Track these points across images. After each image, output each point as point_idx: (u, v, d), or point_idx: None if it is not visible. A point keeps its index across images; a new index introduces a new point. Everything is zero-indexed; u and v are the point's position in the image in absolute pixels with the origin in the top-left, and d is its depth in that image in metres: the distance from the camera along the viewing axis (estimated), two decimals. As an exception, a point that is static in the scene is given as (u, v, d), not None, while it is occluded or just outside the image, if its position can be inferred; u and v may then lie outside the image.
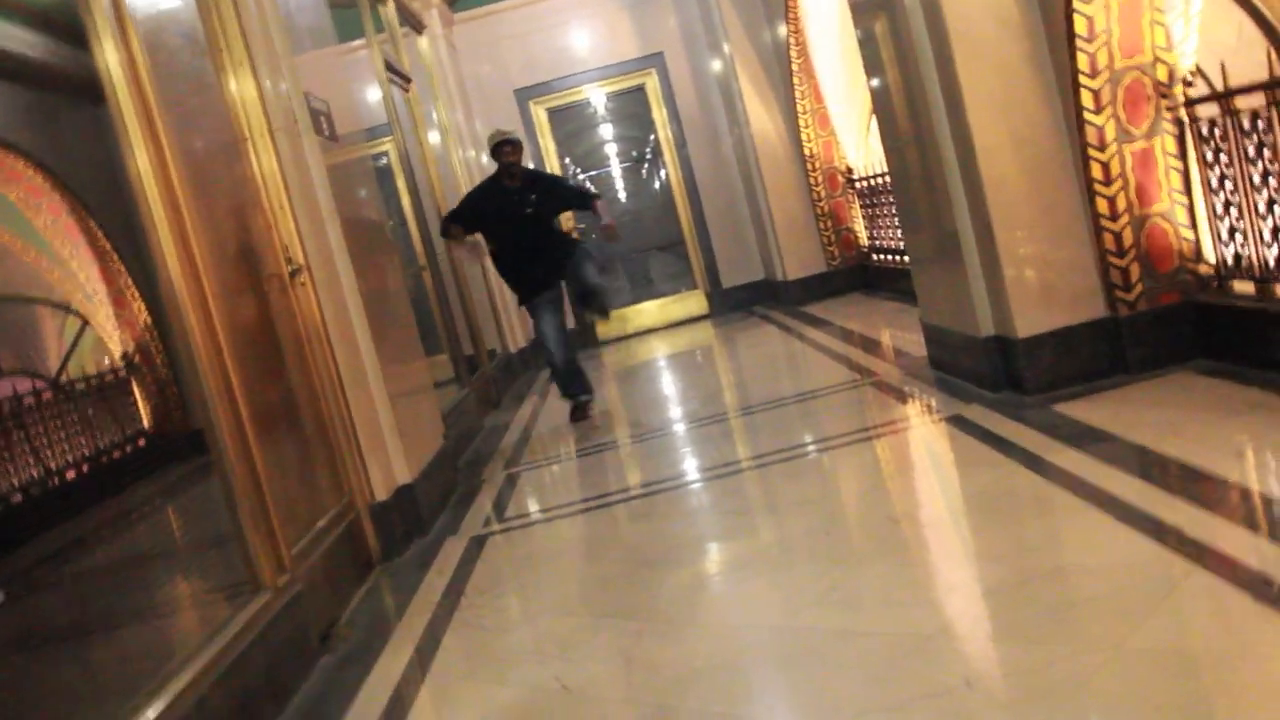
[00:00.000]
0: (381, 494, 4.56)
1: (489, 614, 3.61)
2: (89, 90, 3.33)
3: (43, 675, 3.87)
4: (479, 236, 6.82)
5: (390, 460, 4.64)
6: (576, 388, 6.88)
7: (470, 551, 4.37)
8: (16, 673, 3.96)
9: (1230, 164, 4.05)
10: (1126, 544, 2.86)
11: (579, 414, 6.84)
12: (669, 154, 11.26)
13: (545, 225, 6.71)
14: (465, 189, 9.64)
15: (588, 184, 6.87)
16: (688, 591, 3.44)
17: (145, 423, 9.88)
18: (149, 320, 9.84)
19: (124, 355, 9.84)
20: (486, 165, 10.66)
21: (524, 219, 6.61)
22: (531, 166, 6.97)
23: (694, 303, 11.38)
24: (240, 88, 4.26)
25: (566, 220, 7.22)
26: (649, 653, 2.95)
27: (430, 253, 8.14)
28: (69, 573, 3.79)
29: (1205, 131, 4.19)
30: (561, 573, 4.04)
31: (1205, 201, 4.29)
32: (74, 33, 3.17)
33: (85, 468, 8.54)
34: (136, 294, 9.83)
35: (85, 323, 9.89)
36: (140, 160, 3.24)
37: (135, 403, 9.91)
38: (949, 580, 3.11)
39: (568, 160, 11.41)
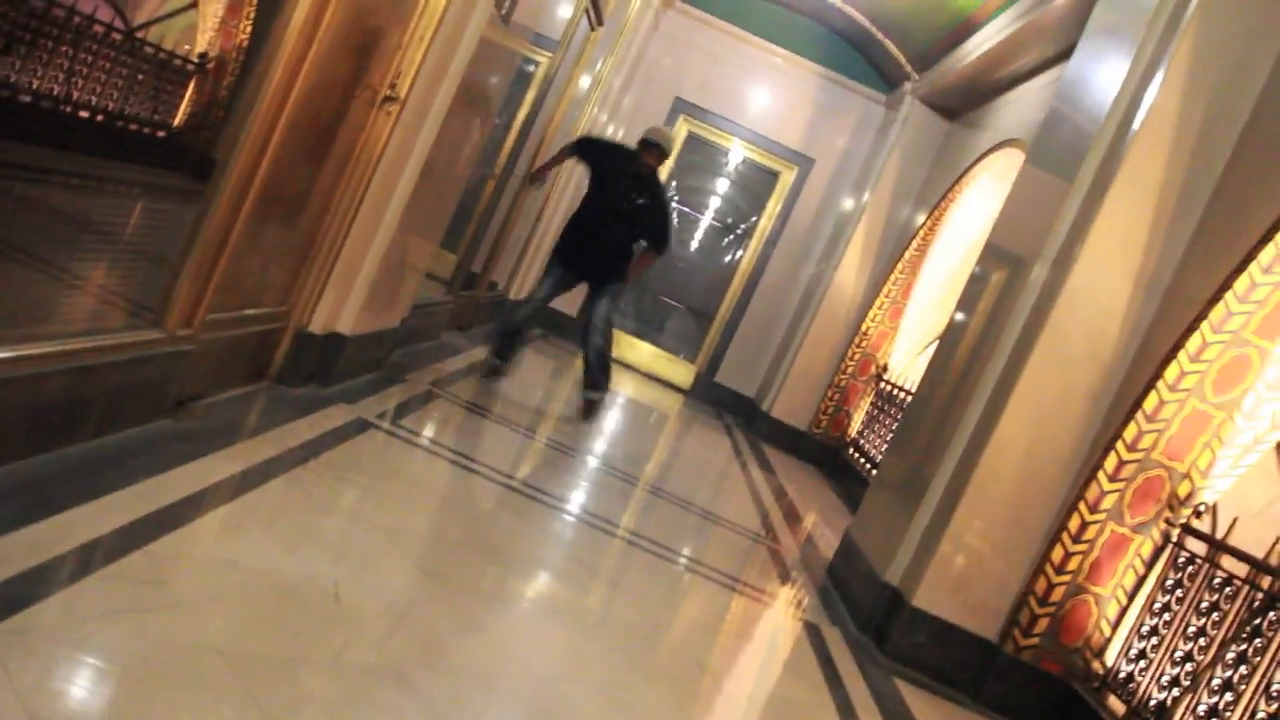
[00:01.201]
0: (316, 326, 4.53)
1: (324, 490, 3.58)
2: None
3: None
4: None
5: (345, 304, 4.61)
6: (505, 350, 6.86)
7: (349, 428, 4.34)
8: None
9: (1180, 601, 4.09)
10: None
11: (491, 370, 6.82)
12: (755, 242, 11.32)
13: (631, 228, 6.66)
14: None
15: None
16: (496, 597, 3.41)
17: (176, 121, 9.80)
18: (244, 43, 9.78)
19: (202, 55, 9.78)
20: (610, 136, 10.70)
21: (621, 203, 6.58)
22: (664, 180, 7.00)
23: (681, 373, 11.41)
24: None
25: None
26: (426, 622, 2.93)
27: (508, 170, 8.14)
28: (14, 191, 3.74)
29: (1181, 560, 4.23)
30: (409, 503, 4.01)
31: (1139, 615, 4.33)
32: None
33: (99, 118, 8.44)
34: (251, 15, 9.78)
35: (194, 4, 9.82)
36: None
37: (181, 100, 9.83)
38: (706, 753, 3.10)
39: (674, 182, 11.46)
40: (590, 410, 6.97)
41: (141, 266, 4.15)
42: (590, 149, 6.91)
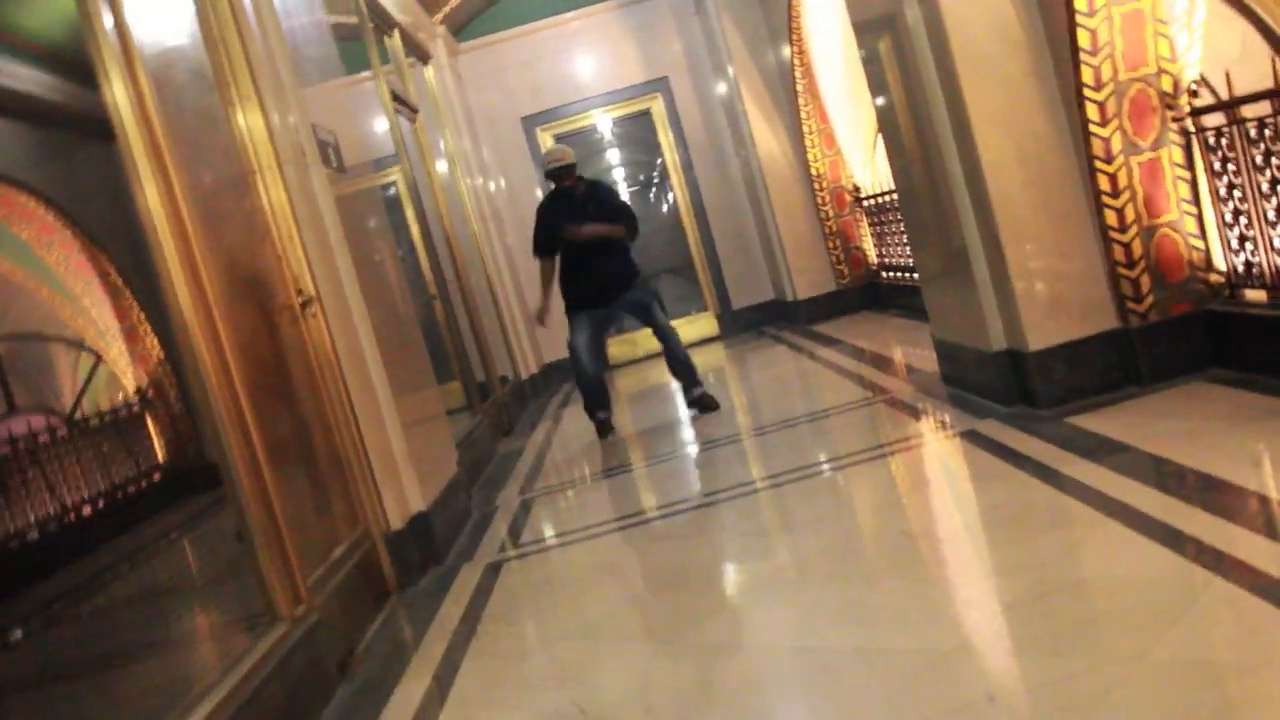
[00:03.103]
0: (396, 523, 4.56)
1: (506, 640, 3.61)
2: (98, 127, 3.38)
3: (63, 712, 3.87)
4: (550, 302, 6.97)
5: (404, 489, 4.64)
6: (597, 404, 6.94)
7: (486, 578, 4.37)
8: (36, 710, 3.96)
9: (1238, 173, 4.05)
10: (1145, 555, 2.85)
11: (604, 431, 6.94)
12: (676, 177, 11.29)
13: (607, 241, 6.81)
14: (474, 217, 9.68)
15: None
16: (705, 614, 3.42)
17: (160, 457, 9.90)
18: (161, 355, 9.88)
19: (137, 390, 9.87)
20: (493, 192, 10.72)
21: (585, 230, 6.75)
22: (587, 177, 7.09)
23: (704, 324, 11.38)
24: (248, 121, 4.29)
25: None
26: (668, 676, 2.94)
27: (440, 281, 8.16)
28: (86, 608, 3.79)
29: (1212, 141, 4.19)
30: (578, 597, 4.03)
31: (1214, 211, 4.29)
32: (83, 70, 3.26)
33: (101, 503, 8.55)
34: (149, 329, 9.87)
35: (99, 359, 9.93)
36: (150, 195, 3.27)
37: (150, 437, 9.93)
38: (967, 596, 3.10)
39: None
40: (705, 402, 6.96)
41: (227, 585, 4.21)
42: (544, 237, 6.95)
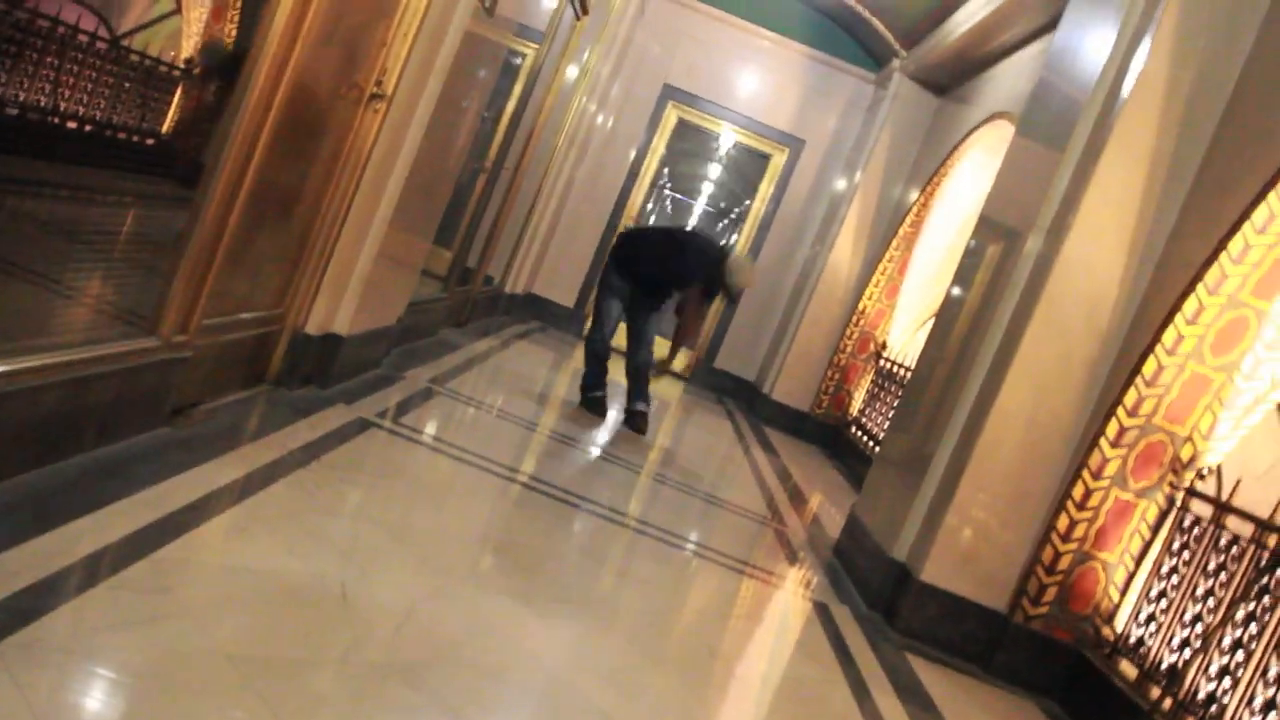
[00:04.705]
0: (312, 328, 4.53)
1: (328, 492, 3.58)
2: None
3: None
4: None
5: (340, 306, 4.61)
6: (590, 380, 7.13)
7: (350, 428, 4.33)
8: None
9: (1187, 564, 4.10)
10: (883, 811, 2.86)
11: (591, 405, 7.09)
12: (749, 225, 11.32)
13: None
14: (566, 132, 9.64)
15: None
16: (503, 590, 3.41)
17: (164, 128, 9.76)
18: (230, 46, 9.75)
19: (188, 60, 9.74)
20: (597, 126, 10.69)
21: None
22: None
23: (679, 360, 11.38)
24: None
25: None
26: (433, 619, 2.93)
27: (498, 162, 8.12)
28: (5, 203, 3.72)
29: (1186, 523, 4.23)
30: (413, 501, 4.00)
31: (1148, 579, 4.33)
32: None
33: (87, 127, 8.40)
34: (236, 18, 9.74)
35: (179, 9, 9.79)
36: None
37: (169, 106, 9.79)
38: (720, 736, 3.11)
39: (665, 169, 11.42)
40: (636, 422, 7.15)
41: (135, 275, 4.15)
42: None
